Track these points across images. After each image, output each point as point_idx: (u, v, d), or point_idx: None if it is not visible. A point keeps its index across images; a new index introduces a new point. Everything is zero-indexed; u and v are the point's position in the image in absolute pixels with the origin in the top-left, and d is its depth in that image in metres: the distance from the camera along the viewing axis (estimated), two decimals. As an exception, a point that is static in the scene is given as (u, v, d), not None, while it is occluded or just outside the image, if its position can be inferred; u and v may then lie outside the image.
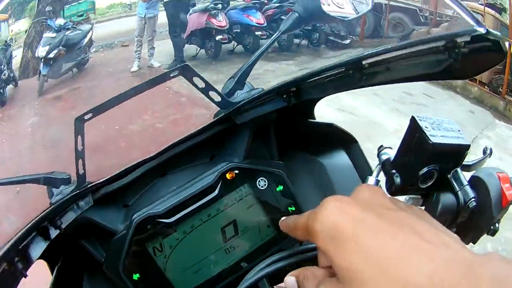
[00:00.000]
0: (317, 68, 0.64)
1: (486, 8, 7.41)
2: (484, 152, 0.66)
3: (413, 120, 0.54)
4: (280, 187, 0.72)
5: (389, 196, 0.48)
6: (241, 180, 0.70)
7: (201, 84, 0.61)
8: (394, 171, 0.58)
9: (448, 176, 0.58)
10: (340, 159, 0.95)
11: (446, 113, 5.81)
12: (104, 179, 0.64)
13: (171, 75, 0.58)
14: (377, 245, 0.36)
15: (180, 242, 0.66)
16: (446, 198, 0.58)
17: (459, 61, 0.61)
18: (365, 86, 0.73)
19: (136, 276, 0.64)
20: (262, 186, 0.71)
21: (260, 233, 0.71)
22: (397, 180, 0.57)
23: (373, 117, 5.39)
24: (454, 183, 0.59)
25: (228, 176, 0.69)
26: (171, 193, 0.68)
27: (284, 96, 0.75)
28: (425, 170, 0.54)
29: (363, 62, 0.67)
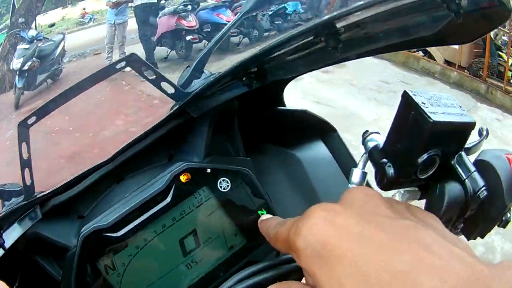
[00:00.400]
0: (280, 38, 0.54)
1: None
2: (480, 133, 0.62)
3: (406, 96, 0.46)
4: (247, 188, 0.64)
5: (385, 197, 0.40)
6: (199, 182, 0.61)
7: (152, 75, 0.57)
8: (385, 160, 0.50)
9: (452, 162, 0.50)
10: (318, 150, 0.88)
11: (426, 99, 5.97)
12: (53, 188, 0.59)
13: (117, 67, 0.53)
14: (378, 265, 0.30)
15: (134, 258, 0.59)
16: (452, 189, 0.50)
17: (460, 15, 0.50)
18: (343, 60, 0.65)
19: None
20: (224, 188, 0.62)
21: (226, 243, 0.63)
22: (390, 171, 0.49)
23: (350, 107, 5.44)
24: (460, 169, 0.50)
25: (182, 178, 0.60)
26: (121, 202, 0.61)
27: (244, 79, 0.67)
28: (424, 156, 0.46)
29: (337, 26, 0.57)
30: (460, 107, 0.48)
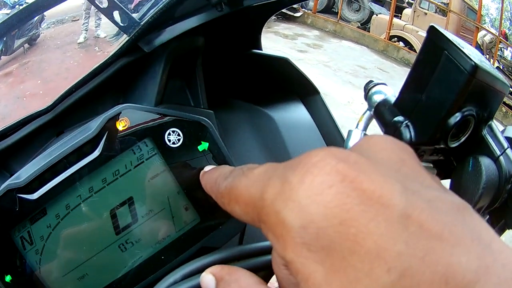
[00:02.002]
0: None
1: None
2: None
3: (434, 31, 0.37)
4: (205, 145, 0.49)
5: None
6: (140, 132, 0.47)
7: (105, 3, 0.49)
8: (400, 118, 0.39)
9: (483, 132, 0.39)
10: (297, 113, 0.76)
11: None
12: None
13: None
14: (436, 271, 0.19)
15: (54, 231, 0.46)
16: (489, 166, 0.38)
17: None
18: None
19: (8, 278, 0.47)
20: (174, 143, 0.47)
21: (173, 220, 0.48)
22: (407, 133, 0.38)
23: (324, 88, 5.46)
24: (492, 143, 0.39)
25: (118, 125, 0.46)
26: (43, 155, 0.48)
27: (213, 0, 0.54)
28: (458, 116, 0.35)
29: None
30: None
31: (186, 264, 0.38)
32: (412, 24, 8.09)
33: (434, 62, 0.36)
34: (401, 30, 8.22)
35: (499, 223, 0.43)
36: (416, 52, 7.57)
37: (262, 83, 0.74)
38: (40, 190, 0.46)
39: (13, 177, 0.46)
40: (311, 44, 7.51)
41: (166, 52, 0.54)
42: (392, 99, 0.41)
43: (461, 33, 7.47)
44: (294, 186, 0.22)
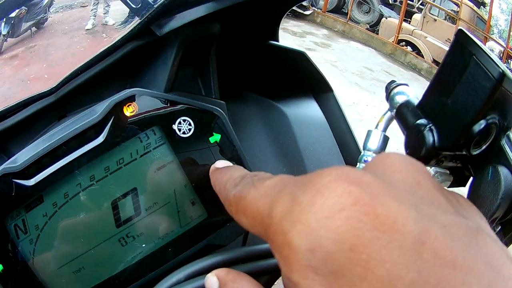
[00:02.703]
0: None
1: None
2: None
3: (463, 35, 0.36)
4: (216, 137, 0.46)
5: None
6: (149, 119, 0.44)
7: None
8: (423, 121, 0.38)
9: (502, 141, 0.39)
10: (309, 109, 0.74)
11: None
12: None
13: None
14: None
15: (50, 220, 0.44)
16: (508, 175, 0.38)
17: None
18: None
19: (0, 268, 0.44)
20: (184, 133, 0.45)
21: (178, 214, 0.45)
22: (430, 137, 0.37)
23: None
24: (510, 153, 0.39)
25: (126, 111, 0.43)
26: (43, 139, 0.46)
27: None
28: (482, 124, 0.35)
29: None
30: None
31: (190, 264, 0.36)
32: (421, 30, 8.10)
33: (462, 66, 0.35)
34: (409, 34, 8.23)
35: (508, 233, 0.43)
36: (423, 58, 7.59)
37: (276, 76, 0.72)
38: (37, 176, 0.43)
39: (9, 160, 0.44)
40: (319, 43, 7.50)
41: (180, 37, 0.52)
42: (415, 100, 0.40)
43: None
44: (304, 208, 0.21)
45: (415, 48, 7.97)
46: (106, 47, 0.52)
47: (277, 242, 0.22)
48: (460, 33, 0.36)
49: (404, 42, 8.25)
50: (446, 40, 7.43)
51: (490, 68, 0.33)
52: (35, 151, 0.43)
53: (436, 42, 7.61)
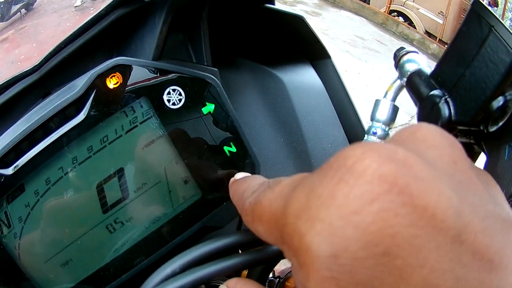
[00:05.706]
0: None
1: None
2: None
3: (479, 5, 0.35)
4: (210, 107, 0.43)
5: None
6: (135, 90, 0.41)
7: None
8: (438, 92, 0.36)
9: None
10: (307, 76, 0.70)
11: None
12: None
13: None
14: None
15: (33, 210, 0.41)
16: None
17: None
18: None
19: None
20: (173, 103, 0.42)
21: (170, 195, 0.42)
22: (445, 109, 0.35)
23: None
24: None
25: (109, 83, 0.40)
26: (21, 121, 0.44)
27: None
28: (501, 100, 0.34)
29: None
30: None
31: (185, 252, 0.31)
32: (413, 1, 8.07)
33: (480, 37, 0.34)
34: (401, 5, 8.20)
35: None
36: (415, 29, 7.60)
37: (272, 42, 0.70)
38: (17, 163, 0.41)
39: None
40: (310, 11, 7.46)
41: (168, 2, 0.48)
42: (428, 70, 0.38)
43: (462, 16, 7.47)
44: (324, 202, 0.17)
45: (407, 19, 7.99)
46: (90, 17, 0.49)
47: (293, 246, 0.18)
48: (476, 3, 0.35)
49: (395, 13, 8.24)
50: (438, 13, 7.44)
51: (510, 42, 0.32)
52: (12, 136, 0.40)
53: (428, 14, 7.63)
